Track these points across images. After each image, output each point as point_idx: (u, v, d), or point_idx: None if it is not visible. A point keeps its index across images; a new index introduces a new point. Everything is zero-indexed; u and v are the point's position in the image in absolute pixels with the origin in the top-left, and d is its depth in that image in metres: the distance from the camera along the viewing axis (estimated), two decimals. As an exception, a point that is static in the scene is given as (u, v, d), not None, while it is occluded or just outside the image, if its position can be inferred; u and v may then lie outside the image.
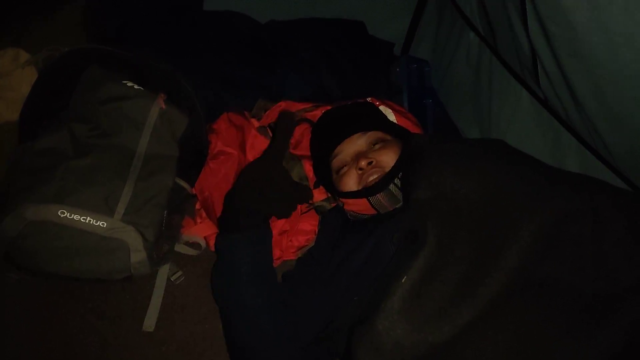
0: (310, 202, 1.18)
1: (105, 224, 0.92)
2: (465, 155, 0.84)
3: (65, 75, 1.07)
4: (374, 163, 0.94)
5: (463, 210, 0.74)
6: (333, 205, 1.16)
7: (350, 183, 0.96)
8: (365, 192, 0.92)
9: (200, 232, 1.18)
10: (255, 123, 1.26)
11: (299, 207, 1.17)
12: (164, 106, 1.07)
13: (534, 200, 0.73)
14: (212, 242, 1.18)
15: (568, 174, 0.84)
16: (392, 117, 1.26)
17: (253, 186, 0.91)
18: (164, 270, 1.10)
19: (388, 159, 0.95)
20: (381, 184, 0.90)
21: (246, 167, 0.96)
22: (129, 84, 1.06)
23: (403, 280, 0.69)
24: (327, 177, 1.07)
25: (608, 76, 0.69)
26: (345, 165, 1.00)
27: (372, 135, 1.01)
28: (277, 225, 1.13)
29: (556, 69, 0.80)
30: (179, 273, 1.11)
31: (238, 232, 0.90)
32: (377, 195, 0.91)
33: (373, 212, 0.95)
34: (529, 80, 1.04)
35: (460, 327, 0.66)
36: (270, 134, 1.24)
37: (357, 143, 1.00)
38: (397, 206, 0.92)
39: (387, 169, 0.93)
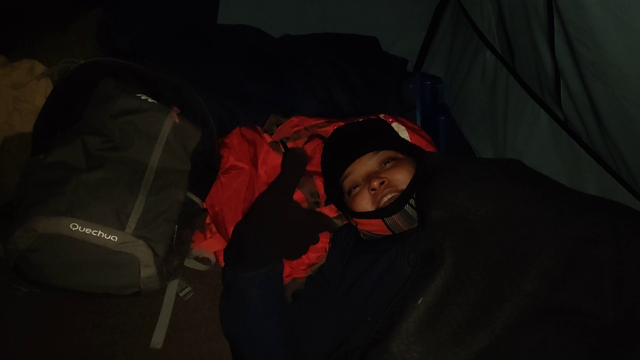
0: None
1: (116, 238, 0.91)
2: (482, 176, 0.83)
3: (80, 88, 1.07)
4: (386, 183, 0.93)
5: (480, 233, 0.73)
6: (344, 222, 1.15)
7: (364, 204, 0.95)
8: (380, 212, 0.91)
9: (210, 247, 1.17)
10: (268, 138, 1.25)
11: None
12: (177, 120, 1.06)
13: (552, 224, 0.71)
14: (221, 258, 1.17)
15: (588, 196, 0.82)
16: (405, 134, 1.25)
17: (264, 222, 0.85)
18: (173, 286, 1.08)
19: (401, 177, 0.94)
20: (396, 205, 0.89)
21: (257, 203, 0.90)
22: (143, 97, 1.06)
23: (419, 302, 0.68)
24: (338, 196, 1.06)
25: (635, 101, 0.68)
26: (357, 186, 0.98)
27: (384, 154, 1.00)
28: (288, 242, 1.12)
29: (581, 90, 0.78)
30: (188, 289, 1.10)
31: (247, 268, 0.85)
32: (393, 216, 0.89)
33: (388, 232, 0.93)
34: (549, 101, 1.03)
35: (476, 352, 0.64)
36: (283, 149, 1.23)
37: (368, 163, 0.99)
38: (412, 226, 0.91)
39: (400, 188, 0.92)
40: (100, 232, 0.90)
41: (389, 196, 0.92)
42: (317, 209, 1.16)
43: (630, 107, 0.69)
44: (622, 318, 0.63)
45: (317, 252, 1.16)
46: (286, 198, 0.88)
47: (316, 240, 0.87)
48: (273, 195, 0.88)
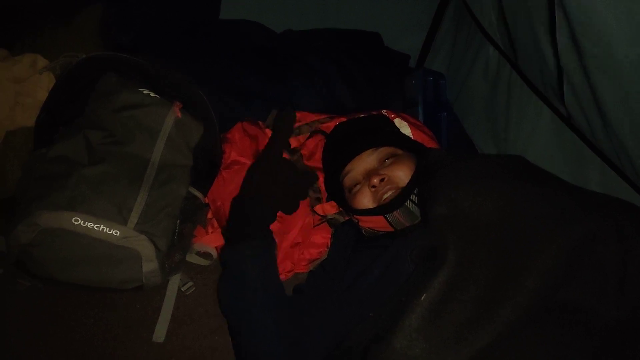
0: (323, 214, 1.17)
1: (119, 233, 0.91)
2: (485, 173, 0.83)
3: (82, 82, 1.07)
4: (386, 179, 0.93)
5: (482, 230, 0.73)
6: (346, 218, 1.15)
7: (365, 201, 0.95)
8: (381, 209, 0.91)
9: (211, 242, 1.17)
10: (270, 133, 1.25)
11: (311, 219, 1.15)
12: (179, 115, 1.06)
13: (555, 222, 0.70)
14: (223, 253, 1.17)
15: (591, 193, 0.82)
16: (407, 130, 1.25)
17: (258, 185, 0.92)
18: (174, 281, 1.08)
19: (401, 174, 0.93)
20: (398, 201, 0.89)
21: (248, 170, 0.97)
22: (145, 91, 1.06)
23: (422, 298, 0.68)
24: (339, 193, 1.06)
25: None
26: (358, 184, 0.98)
27: (383, 150, 0.99)
28: (290, 238, 1.12)
29: (585, 85, 0.78)
30: (190, 283, 1.10)
31: (246, 240, 0.89)
32: (394, 212, 0.89)
33: (390, 229, 0.93)
34: (552, 97, 1.02)
35: (478, 350, 0.64)
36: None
37: (367, 160, 0.99)
38: (414, 222, 0.90)
39: (401, 185, 0.92)
40: (102, 227, 0.90)
41: (389, 193, 0.92)
42: (319, 205, 1.16)
43: (637, 102, 0.69)
44: (625, 316, 0.63)
45: (319, 247, 1.16)
46: (276, 158, 0.96)
47: (306, 196, 0.97)
48: (264, 158, 0.96)
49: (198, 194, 1.11)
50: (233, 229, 0.93)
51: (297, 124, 1.28)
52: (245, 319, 0.87)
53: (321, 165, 1.20)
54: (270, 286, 0.90)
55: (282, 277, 1.14)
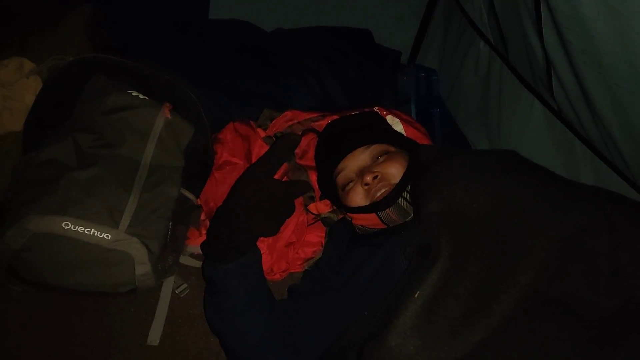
0: (317, 213, 1.16)
1: (110, 236, 0.90)
2: (477, 169, 0.83)
3: (70, 85, 1.06)
4: (379, 177, 0.93)
5: (475, 226, 0.73)
6: (340, 217, 1.15)
7: (358, 199, 0.95)
8: (373, 207, 0.91)
9: (205, 243, 1.16)
10: (262, 133, 1.24)
11: (305, 218, 1.15)
12: (169, 116, 1.06)
13: (547, 215, 0.70)
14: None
15: (583, 186, 0.82)
16: (399, 126, 1.25)
17: (242, 211, 0.82)
18: (168, 283, 1.08)
19: (394, 171, 0.93)
20: (390, 199, 0.89)
21: (236, 185, 0.86)
22: (134, 93, 1.05)
23: (416, 296, 0.68)
24: (332, 191, 1.06)
25: (627, 87, 0.67)
26: (351, 182, 0.98)
27: (376, 148, 0.99)
28: (284, 237, 1.12)
29: (572, 79, 0.78)
30: (184, 285, 1.09)
31: (232, 258, 0.83)
32: (386, 209, 0.89)
33: (383, 226, 0.93)
34: (542, 91, 1.02)
35: (473, 345, 0.64)
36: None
37: (360, 158, 0.99)
38: (407, 219, 0.90)
39: (394, 182, 0.92)
40: (93, 231, 0.89)
41: (382, 190, 0.91)
42: (312, 204, 1.15)
43: (622, 94, 0.69)
44: (618, 307, 0.63)
45: (313, 246, 1.16)
46: (266, 177, 0.85)
47: (292, 210, 0.86)
48: (253, 176, 0.85)
49: (190, 195, 1.10)
50: (217, 244, 0.86)
51: (289, 123, 1.28)
52: (239, 338, 0.86)
53: (314, 164, 1.20)
54: (260, 300, 0.87)
55: (277, 276, 1.13)
